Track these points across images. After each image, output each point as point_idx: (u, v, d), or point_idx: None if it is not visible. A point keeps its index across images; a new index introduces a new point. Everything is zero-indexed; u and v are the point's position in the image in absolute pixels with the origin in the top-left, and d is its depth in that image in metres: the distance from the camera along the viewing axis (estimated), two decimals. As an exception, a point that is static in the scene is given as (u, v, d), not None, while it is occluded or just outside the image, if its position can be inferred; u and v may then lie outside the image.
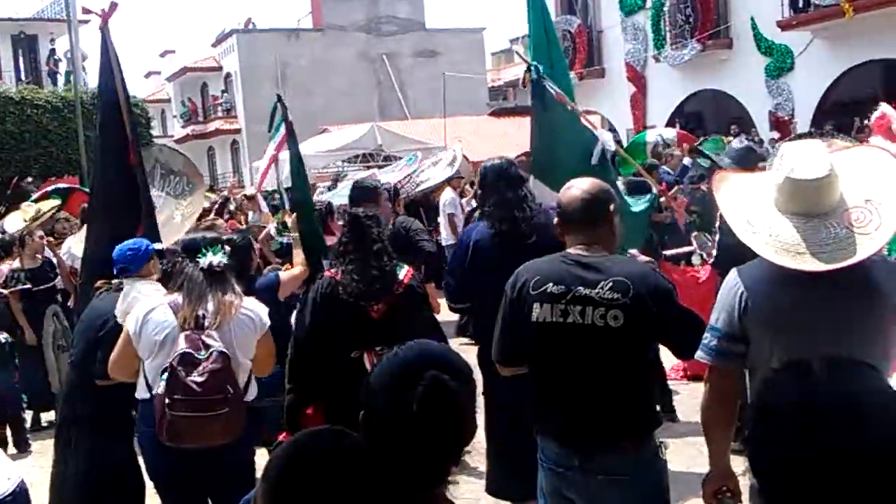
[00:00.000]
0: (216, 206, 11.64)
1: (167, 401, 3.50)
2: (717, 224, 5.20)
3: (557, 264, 2.96)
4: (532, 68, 5.31)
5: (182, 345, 3.55)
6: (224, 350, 3.56)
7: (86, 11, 4.95)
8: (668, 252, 7.69)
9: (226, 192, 15.10)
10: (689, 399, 6.52)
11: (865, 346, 2.48)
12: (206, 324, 3.62)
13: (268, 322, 3.80)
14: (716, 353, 2.65)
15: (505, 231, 4.22)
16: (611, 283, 2.83)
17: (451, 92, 20.63)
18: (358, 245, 4.18)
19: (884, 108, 5.73)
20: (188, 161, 7.00)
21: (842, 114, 17.08)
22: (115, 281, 4.43)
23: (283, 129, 6.19)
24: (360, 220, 4.28)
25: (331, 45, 38.72)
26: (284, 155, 6.92)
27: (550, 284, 2.89)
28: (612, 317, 2.81)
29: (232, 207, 12.00)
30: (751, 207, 2.59)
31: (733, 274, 2.70)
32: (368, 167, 20.34)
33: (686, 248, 7.74)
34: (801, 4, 17.57)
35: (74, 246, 7.63)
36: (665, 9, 20.94)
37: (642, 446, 2.93)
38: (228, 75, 40.32)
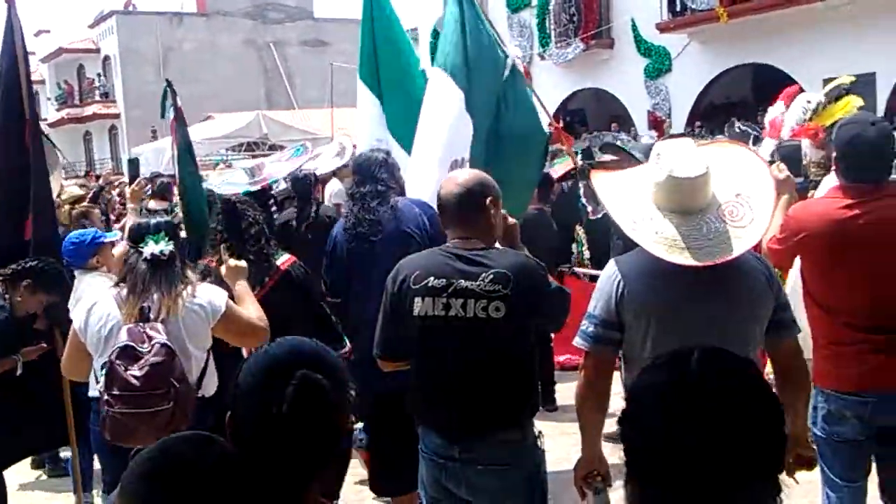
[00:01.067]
0: (91, 193, 11.19)
1: (106, 397, 3.31)
2: None
3: (438, 258, 2.99)
4: None
5: (123, 338, 3.33)
6: (167, 342, 3.33)
7: None
8: (579, 269, 7.87)
9: (101, 181, 14.54)
10: (567, 390, 6.69)
11: (737, 339, 2.61)
12: (151, 316, 3.41)
13: (222, 306, 3.53)
14: (592, 339, 2.75)
15: (351, 224, 4.19)
16: (491, 276, 2.87)
17: (339, 82, 20.41)
18: (232, 232, 4.16)
19: (772, 111, 5.99)
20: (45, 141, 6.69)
21: (715, 114, 17.83)
22: None
23: (171, 116, 5.96)
24: (235, 205, 4.26)
25: (216, 31, 37.84)
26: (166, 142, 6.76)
27: (431, 278, 2.92)
28: (493, 308, 2.86)
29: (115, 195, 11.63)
30: (633, 205, 2.68)
31: (612, 264, 2.80)
32: (254, 156, 19.98)
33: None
34: (678, 8, 18.18)
35: None
36: (550, 7, 21.31)
37: (521, 436, 3.00)
38: (107, 58, 38.81)
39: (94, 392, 3.53)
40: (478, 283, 2.87)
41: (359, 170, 4.29)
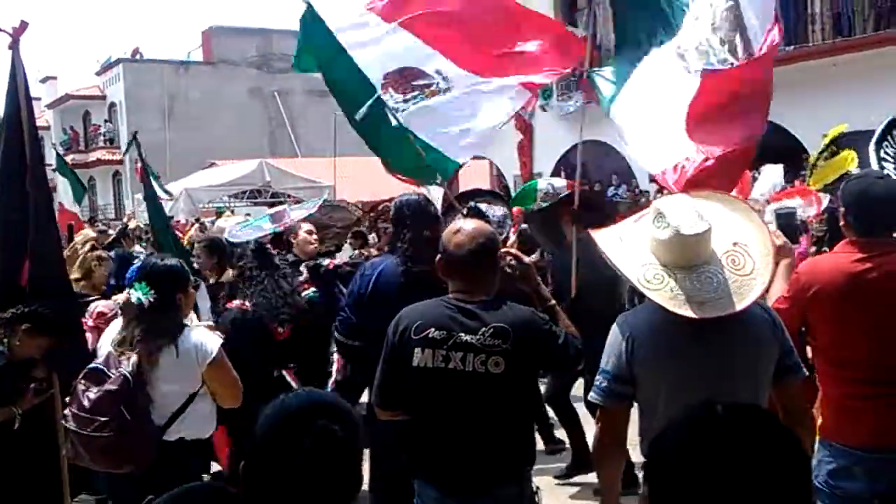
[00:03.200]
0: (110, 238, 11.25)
1: (67, 413, 3.48)
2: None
3: (440, 309, 2.97)
4: None
5: (99, 361, 3.54)
6: (128, 375, 3.44)
7: None
8: None
9: (125, 220, 14.94)
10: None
11: (747, 385, 2.63)
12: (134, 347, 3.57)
13: (212, 351, 3.58)
14: (606, 394, 2.75)
15: (416, 272, 3.96)
16: (492, 330, 2.86)
17: (343, 132, 20.58)
18: (265, 270, 4.61)
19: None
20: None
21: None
22: None
23: (138, 166, 6.03)
24: (265, 249, 4.80)
25: (221, 80, 38.29)
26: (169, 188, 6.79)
27: (432, 330, 2.91)
28: (492, 363, 2.84)
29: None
30: (638, 263, 2.70)
31: (621, 319, 2.81)
32: (256, 203, 20.08)
33: None
34: (678, 64, 18.40)
35: None
36: (552, 60, 21.53)
37: (518, 491, 2.96)
38: (113, 105, 39.26)
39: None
40: (478, 336, 2.86)
41: (422, 212, 4.18)
